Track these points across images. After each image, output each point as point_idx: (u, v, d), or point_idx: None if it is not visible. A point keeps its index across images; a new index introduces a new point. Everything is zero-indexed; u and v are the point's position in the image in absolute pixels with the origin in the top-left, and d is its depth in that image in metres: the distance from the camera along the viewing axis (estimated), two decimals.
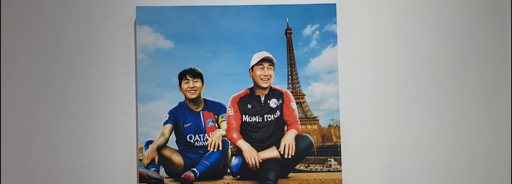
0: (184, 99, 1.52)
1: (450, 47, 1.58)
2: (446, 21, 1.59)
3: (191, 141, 1.52)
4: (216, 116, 1.52)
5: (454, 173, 1.56)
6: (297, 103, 1.54)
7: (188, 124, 1.52)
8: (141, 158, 1.49)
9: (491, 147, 1.58)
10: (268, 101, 1.53)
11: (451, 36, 1.58)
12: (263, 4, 1.55)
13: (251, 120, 1.53)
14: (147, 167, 1.49)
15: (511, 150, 1.58)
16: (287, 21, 1.53)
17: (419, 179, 1.56)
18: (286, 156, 1.51)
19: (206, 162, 1.50)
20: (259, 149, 1.52)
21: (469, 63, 1.58)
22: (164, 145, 1.50)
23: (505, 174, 1.58)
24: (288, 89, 1.53)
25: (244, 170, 1.51)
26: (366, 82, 1.56)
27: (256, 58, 1.51)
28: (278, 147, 1.52)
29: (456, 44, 1.58)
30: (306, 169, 1.52)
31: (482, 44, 1.59)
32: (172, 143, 1.51)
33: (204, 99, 1.53)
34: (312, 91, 1.53)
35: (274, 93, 1.54)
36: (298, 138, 1.52)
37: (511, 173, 1.58)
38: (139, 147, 1.50)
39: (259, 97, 1.53)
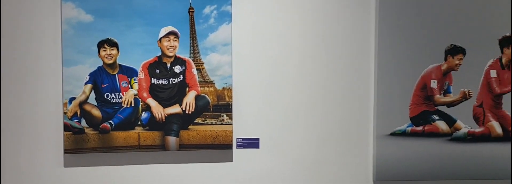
0: (102, 64, 1.83)
1: (323, 29, 1.96)
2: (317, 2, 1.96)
3: (108, 98, 1.84)
4: (129, 79, 1.85)
5: (324, 131, 1.98)
6: (197, 69, 1.88)
7: (106, 85, 1.84)
8: (66, 111, 1.81)
9: (354, 95, 1.99)
10: (173, 67, 1.87)
11: (324, 19, 1.96)
12: None
13: (158, 83, 1.86)
14: (71, 118, 1.81)
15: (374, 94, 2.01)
16: (190, 1, 1.84)
17: (296, 129, 1.97)
18: (187, 112, 1.88)
19: (120, 116, 1.84)
20: (165, 106, 1.87)
21: (337, 40, 1.97)
22: (85, 101, 1.82)
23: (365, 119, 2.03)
24: (190, 58, 1.87)
25: (152, 122, 1.87)
26: (254, 54, 1.92)
27: (163, 31, 1.83)
28: (180, 105, 1.88)
29: (327, 24, 1.96)
30: (203, 122, 1.89)
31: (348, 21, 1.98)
32: (93, 100, 1.83)
33: (119, 64, 1.84)
34: (210, 60, 1.87)
35: (178, 61, 1.87)
36: (197, 97, 1.88)
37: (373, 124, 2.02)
38: (64, 102, 1.81)
39: (165, 63, 1.86)
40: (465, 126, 2.02)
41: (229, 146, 1.91)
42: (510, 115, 2.02)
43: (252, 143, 1.94)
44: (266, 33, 1.92)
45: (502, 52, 2.01)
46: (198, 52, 1.87)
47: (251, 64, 1.92)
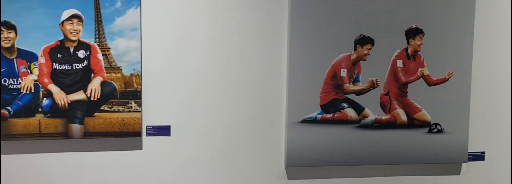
0: None
1: (235, 16, 1.94)
2: None
3: (6, 84, 1.74)
4: (28, 63, 1.76)
5: (236, 119, 1.99)
6: (103, 55, 1.82)
7: (3, 69, 1.73)
8: None
9: (266, 83, 2.00)
10: (77, 52, 1.80)
11: (236, 6, 1.94)
12: None
13: (61, 68, 1.79)
14: None
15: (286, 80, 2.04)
16: None
17: (208, 116, 1.95)
18: (92, 99, 1.82)
19: (19, 102, 1.75)
20: (68, 92, 1.80)
21: (249, 27, 1.97)
22: None
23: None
24: (95, 42, 1.81)
25: (54, 109, 1.79)
26: (164, 39, 1.89)
27: (66, 14, 1.75)
28: (85, 91, 1.81)
29: (239, 11, 1.95)
30: (110, 109, 1.84)
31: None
32: None
33: (17, 48, 1.74)
34: (117, 45, 1.82)
35: (82, 45, 1.80)
36: (103, 84, 1.82)
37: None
38: None
39: (68, 48, 1.79)
40: (372, 113, 2.09)
41: (138, 134, 1.87)
42: (415, 103, 2.13)
43: (162, 130, 1.91)
44: (176, 18, 1.89)
45: (408, 43, 2.10)
46: (104, 37, 1.80)
47: (161, 50, 1.88)
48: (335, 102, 2.06)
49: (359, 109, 2.08)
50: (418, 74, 2.12)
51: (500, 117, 2.24)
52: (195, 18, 1.91)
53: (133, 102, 1.85)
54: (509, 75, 2.23)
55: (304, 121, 2.03)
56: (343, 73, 2.06)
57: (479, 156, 2.26)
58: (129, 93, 1.85)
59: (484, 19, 2.17)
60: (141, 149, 1.91)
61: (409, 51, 2.11)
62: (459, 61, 2.13)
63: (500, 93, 2.23)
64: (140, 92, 1.86)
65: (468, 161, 2.22)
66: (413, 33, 2.11)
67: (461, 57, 2.13)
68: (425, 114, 2.14)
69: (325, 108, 2.04)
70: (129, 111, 1.85)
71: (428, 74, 2.12)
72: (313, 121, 2.04)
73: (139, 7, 1.82)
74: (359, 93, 2.08)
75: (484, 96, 2.21)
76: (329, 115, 2.06)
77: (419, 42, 2.11)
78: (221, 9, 1.92)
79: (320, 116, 2.05)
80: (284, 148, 2.05)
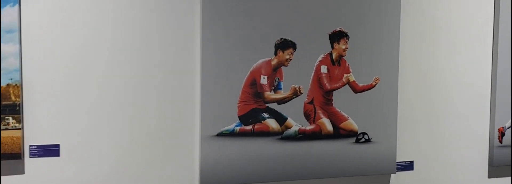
0: None
1: (142, 17, 1.70)
2: None
3: None
4: None
5: (143, 134, 1.74)
6: None
7: None
8: None
9: (177, 93, 1.78)
10: None
11: (143, 6, 1.71)
12: None
13: None
14: None
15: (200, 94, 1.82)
16: None
17: (108, 132, 1.69)
18: None
19: None
20: None
21: (157, 31, 1.73)
22: None
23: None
24: None
25: None
26: (51, 43, 1.60)
27: None
28: None
29: (146, 12, 1.71)
30: None
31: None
32: None
33: None
34: None
35: None
36: None
37: None
38: None
39: None
40: (296, 124, 1.93)
41: (18, 156, 1.56)
42: (340, 112, 2.00)
43: (50, 150, 1.62)
44: (68, 18, 1.60)
45: (332, 47, 1.96)
46: None
47: (47, 56, 1.59)
48: (255, 112, 1.86)
49: (281, 119, 1.90)
50: (344, 80, 1.98)
51: (428, 124, 2.17)
52: (93, 19, 1.64)
53: (10, 118, 1.54)
54: (437, 80, 2.18)
55: (220, 134, 1.81)
56: (263, 80, 1.88)
57: (408, 166, 2.17)
58: (5, 107, 1.54)
59: (410, 22, 2.10)
60: (23, 173, 1.60)
61: (334, 56, 1.97)
62: (385, 66, 2.03)
63: (427, 99, 2.16)
64: (20, 105, 1.56)
65: (397, 171, 2.13)
66: (337, 36, 1.97)
67: (387, 62, 2.03)
68: (352, 123, 2.01)
69: (243, 119, 1.84)
70: (6, 129, 1.54)
71: (354, 81, 1.99)
72: (231, 134, 1.83)
73: (17, 5, 1.52)
74: (281, 101, 1.90)
75: (411, 102, 2.13)
76: (249, 127, 1.86)
77: (344, 46, 1.98)
78: (127, 9, 1.67)
79: (238, 128, 1.84)
80: (197, 165, 1.81)
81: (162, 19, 1.74)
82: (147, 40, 1.72)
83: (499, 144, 2.30)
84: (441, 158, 2.21)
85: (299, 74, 1.90)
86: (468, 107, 2.25)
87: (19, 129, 1.54)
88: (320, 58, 1.94)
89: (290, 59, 1.88)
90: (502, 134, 2.32)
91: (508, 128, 2.32)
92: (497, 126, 2.29)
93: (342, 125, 1.99)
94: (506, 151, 2.33)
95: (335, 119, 1.98)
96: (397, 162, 2.11)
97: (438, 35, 2.17)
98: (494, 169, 2.33)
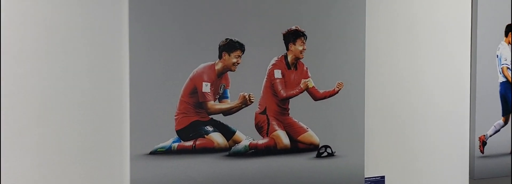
0: None
1: (61, 18, 1.45)
2: None
3: None
4: None
5: (60, 155, 1.48)
6: None
7: None
8: None
9: (101, 105, 1.53)
10: None
11: (62, 6, 1.47)
12: None
13: None
14: None
15: None
16: None
17: (17, 153, 1.42)
18: None
19: None
20: None
21: (77, 33, 1.48)
22: None
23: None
24: None
25: None
26: None
27: None
28: None
29: (67, 13, 1.46)
30: None
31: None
32: None
33: None
34: None
35: None
36: None
37: None
38: None
39: None
40: (246, 137, 1.69)
41: None
42: (298, 123, 1.76)
43: None
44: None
45: (287, 49, 1.73)
46: None
47: None
48: (196, 125, 1.63)
49: (228, 133, 1.67)
50: (301, 86, 1.77)
51: (400, 134, 1.96)
52: (3, 20, 1.39)
53: None
54: (409, 85, 1.97)
55: (155, 152, 1.57)
56: (206, 87, 1.64)
57: (379, 182, 1.95)
58: None
59: (377, 19, 1.89)
60: None
61: (289, 58, 1.75)
62: (350, 70, 1.82)
63: (399, 107, 1.95)
64: None
65: None
66: (293, 36, 1.75)
67: (352, 64, 1.83)
68: (312, 135, 1.79)
69: (182, 133, 1.60)
70: None
71: (313, 86, 1.78)
72: (167, 151, 1.59)
73: None
74: (227, 112, 1.67)
75: (380, 110, 1.92)
76: (189, 143, 1.62)
77: (301, 48, 1.76)
78: (50, 9, 1.41)
79: (176, 144, 1.60)
80: None
81: (85, 19, 1.49)
82: (63, 39, 1.46)
83: (481, 154, 2.11)
84: (415, 172, 2.01)
85: (248, 80, 1.69)
86: (445, 114, 2.05)
87: None
88: (273, 62, 1.72)
89: (238, 63, 1.66)
90: (483, 143, 2.12)
91: (490, 136, 2.13)
92: (478, 134, 2.10)
93: (300, 137, 1.77)
94: (488, 162, 2.13)
95: (292, 131, 1.75)
96: (366, 178, 1.90)
97: (411, 34, 1.97)
98: (476, 182, 2.14)
